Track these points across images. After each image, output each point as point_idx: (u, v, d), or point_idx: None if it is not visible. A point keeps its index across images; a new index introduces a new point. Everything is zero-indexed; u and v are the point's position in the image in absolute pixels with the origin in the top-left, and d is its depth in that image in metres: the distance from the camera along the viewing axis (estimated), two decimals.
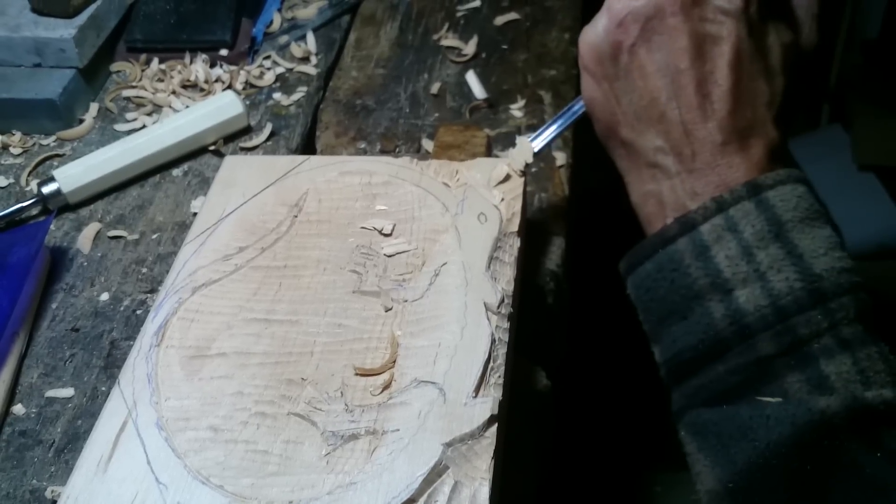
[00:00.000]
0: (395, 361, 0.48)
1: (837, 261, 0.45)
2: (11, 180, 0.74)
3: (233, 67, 0.83)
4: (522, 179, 0.59)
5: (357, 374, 0.48)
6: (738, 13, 0.48)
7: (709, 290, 0.45)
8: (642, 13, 0.49)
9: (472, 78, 0.80)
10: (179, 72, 0.83)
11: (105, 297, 0.64)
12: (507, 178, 0.58)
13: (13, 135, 0.78)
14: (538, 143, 0.59)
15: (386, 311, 0.51)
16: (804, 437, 0.41)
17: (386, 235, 0.55)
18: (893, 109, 1.65)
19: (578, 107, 0.57)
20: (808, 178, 0.47)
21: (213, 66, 0.84)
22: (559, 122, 0.59)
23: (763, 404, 0.43)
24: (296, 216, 0.58)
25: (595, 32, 0.51)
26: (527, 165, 0.59)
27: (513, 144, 0.73)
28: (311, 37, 0.88)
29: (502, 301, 0.50)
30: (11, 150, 0.77)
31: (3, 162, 0.77)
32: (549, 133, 0.59)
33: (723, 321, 0.45)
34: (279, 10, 0.91)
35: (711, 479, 0.44)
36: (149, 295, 0.63)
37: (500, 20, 0.88)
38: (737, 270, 0.45)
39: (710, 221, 0.46)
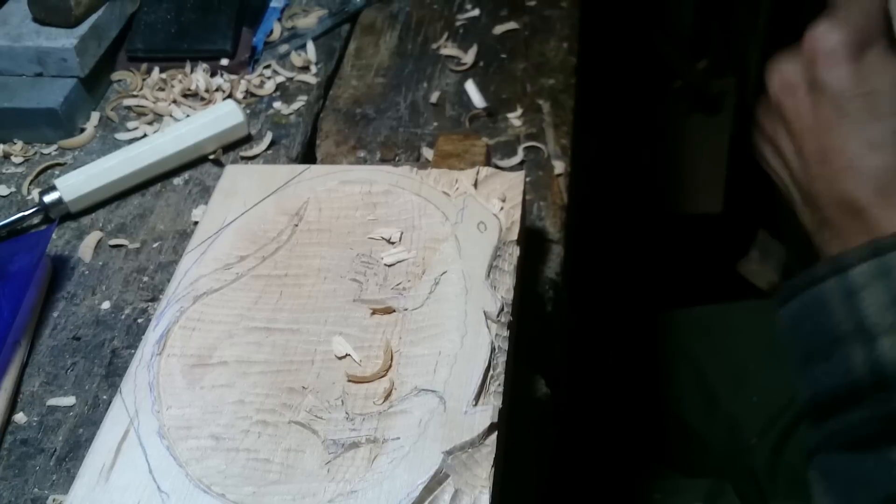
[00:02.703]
0: (388, 369, 0.48)
1: None
2: (13, 189, 0.75)
3: (233, 77, 0.84)
4: (522, 188, 0.59)
5: (350, 381, 0.48)
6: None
7: (851, 336, 0.44)
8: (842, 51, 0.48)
9: (471, 87, 0.80)
10: (180, 81, 0.83)
11: (106, 305, 0.64)
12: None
13: (14, 144, 0.79)
14: None
15: (383, 315, 0.51)
16: None
17: (393, 244, 0.56)
18: None
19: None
20: None
21: (213, 75, 0.84)
22: None
23: (891, 458, 0.42)
24: (296, 225, 0.58)
25: (789, 65, 0.51)
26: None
27: (512, 153, 0.74)
28: (311, 46, 0.88)
29: (502, 309, 0.51)
30: (13, 158, 0.78)
31: (4, 171, 0.77)
32: None
33: (862, 368, 0.43)
34: (279, 20, 0.92)
35: None
36: (150, 303, 0.64)
37: (498, 29, 0.88)
38: (883, 318, 0.43)
39: (862, 265, 0.45)
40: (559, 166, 0.72)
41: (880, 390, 0.43)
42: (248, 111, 0.80)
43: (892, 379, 0.42)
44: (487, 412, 0.45)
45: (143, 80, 0.84)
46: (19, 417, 0.57)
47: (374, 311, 0.52)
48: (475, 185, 0.59)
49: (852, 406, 0.44)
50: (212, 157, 0.75)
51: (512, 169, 0.71)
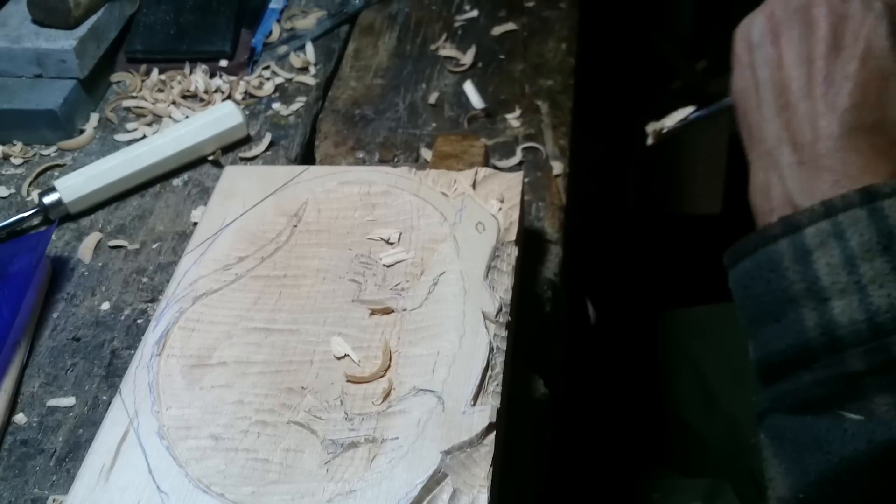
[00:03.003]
0: (387, 369, 0.49)
1: None
2: (13, 190, 0.75)
3: (232, 78, 0.84)
4: (520, 189, 0.59)
5: (348, 381, 0.48)
6: (881, 12, 0.48)
7: (804, 297, 0.44)
8: (792, 6, 0.50)
9: (469, 88, 0.81)
10: (179, 82, 0.83)
11: (106, 306, 0.64)
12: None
13: (14, 145, 0.79)
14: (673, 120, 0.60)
15: (382, 315, 0.52)
16: (879, 456, 0.40)
17: (392, 244, 0.56)
18: None
19: (727, 100, 0.56)
20: None
21: (212, 76, 0.84)
22: (705, 109, 0.59)
23: (843, 418, 0.42)
24: (295, 226, 0.58)
25: (750, 22, 0.52)
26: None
27: (510, 154, 0.74)
28: (310, 47, 0.88)
29: (500, 310, 0.51)
30: (12, 160, 0.78)
31: (4, 172, 0.77)
32: (690, 115, 0.60)
33: (814, 330, 0.43)
34: (278, 21, 0.92)
35: (783, 486, 0.43)
36: (149, 304, 0.64)
37: (497, 30, 0.88)
38: (836, 280, 0.43)
39: (815, 225, 0.44)
40: (557, 167, 0.72)
41: (832, 352, 0.43)
42: (247, 112, 0.80)
43: (843, 341, 0.42)
44: (486, 412, 0.45)
45: (143, 81, 0.84)
46: (19, 418, 0.57)
47: (373, 312, 0.52)
48: (473, 185, 0.59)
49: (803, 368, 0.44)
50: (211, 158, 0.75)
51: (510, 170, 0.71)
